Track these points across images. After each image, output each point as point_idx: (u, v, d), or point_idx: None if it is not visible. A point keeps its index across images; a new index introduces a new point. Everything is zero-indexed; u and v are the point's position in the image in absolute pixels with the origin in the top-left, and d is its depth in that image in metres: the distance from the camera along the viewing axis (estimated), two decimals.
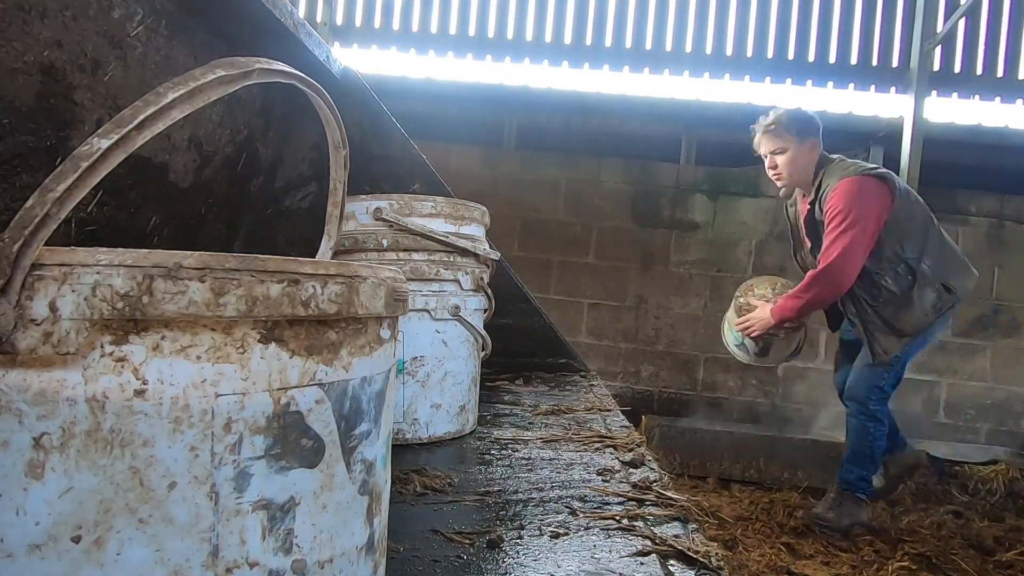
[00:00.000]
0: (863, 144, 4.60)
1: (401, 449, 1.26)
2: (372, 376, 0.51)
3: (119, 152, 0.42)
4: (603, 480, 1.09)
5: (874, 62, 4.54)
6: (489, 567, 0.75)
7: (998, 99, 4.48)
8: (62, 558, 0.38)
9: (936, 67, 4.40)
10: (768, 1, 4.57)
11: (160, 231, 1.58)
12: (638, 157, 4.47)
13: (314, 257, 0.61)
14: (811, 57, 4.57)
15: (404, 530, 0.85)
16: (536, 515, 0.92)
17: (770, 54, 4.58)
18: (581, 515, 0.92)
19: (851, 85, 4.57)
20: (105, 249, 0.40)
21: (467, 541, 0.82)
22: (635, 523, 0.88)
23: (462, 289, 1.34)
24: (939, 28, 4.26)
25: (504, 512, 0.93)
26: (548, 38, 4.64)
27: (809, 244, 2.57)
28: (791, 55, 4.58)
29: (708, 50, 4.60)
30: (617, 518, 0.90)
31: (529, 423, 1.52)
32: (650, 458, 1.21)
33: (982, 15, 4.43)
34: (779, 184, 2.53)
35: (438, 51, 4.66)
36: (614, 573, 0.74)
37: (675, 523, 0.90)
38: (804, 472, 3.47)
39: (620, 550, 0.80)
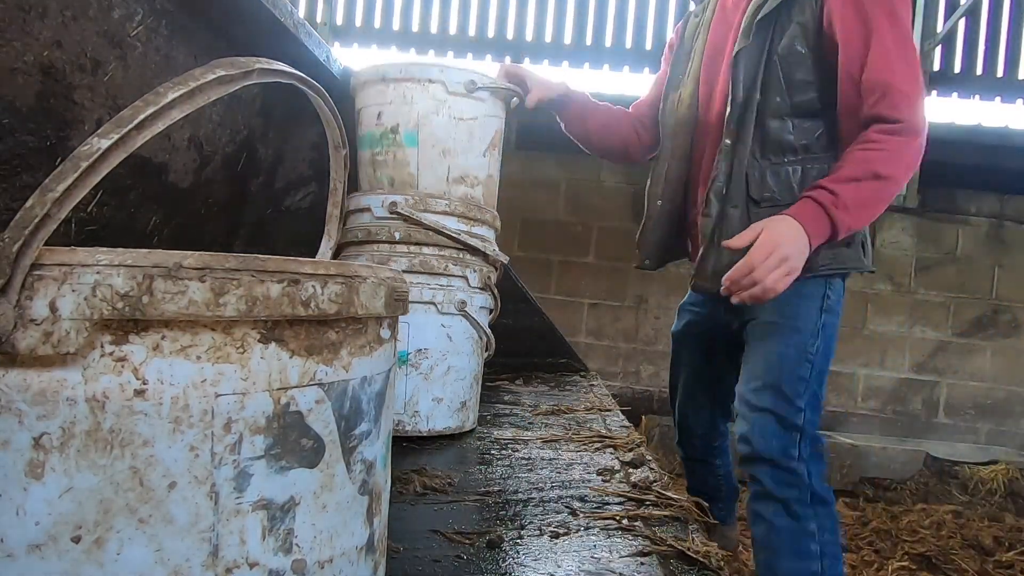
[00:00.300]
0: None
1: (401, 446, 1.26)
2: (372, 376, 0.51)
3: (119, 152, 0.42)
4: (603, 480, 1.09)
5: None
6: (489, 567, 0.75)
7: (998, 99, 4.48)
8: (62, 558, 0.39)
9: (936, 67, 4.40)
10: None
11: (160, 231, 1.58)
12: None
13: (314, 257, 0.61)
14: None
15: (404, 530, 0.85)
16: (536, 515, 0.92)
17: None
18: (581, 515, 0.92)
19: None
20: (105, 249, 0.40)
21: (467, 541, 0.82)
22: (635, 523, 0.88)
23: (469, 286, 1.35)
24: (939, 28, 4.26)
25: (504, 512, 0.93)
26: (548, 38, 4.64)
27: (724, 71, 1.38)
28: None
29: None
30: (617, 518, 0.90)
31: (529, 423, 1.52)
32: (650, 458, 1.21)
33: (982, 15, 4.42)
34: None
35: (438, 51, 4.66)
36: (614, 573, 0.74)
37: (675, 523, 0.90)
38: None
39: (620, 550, 0.80)
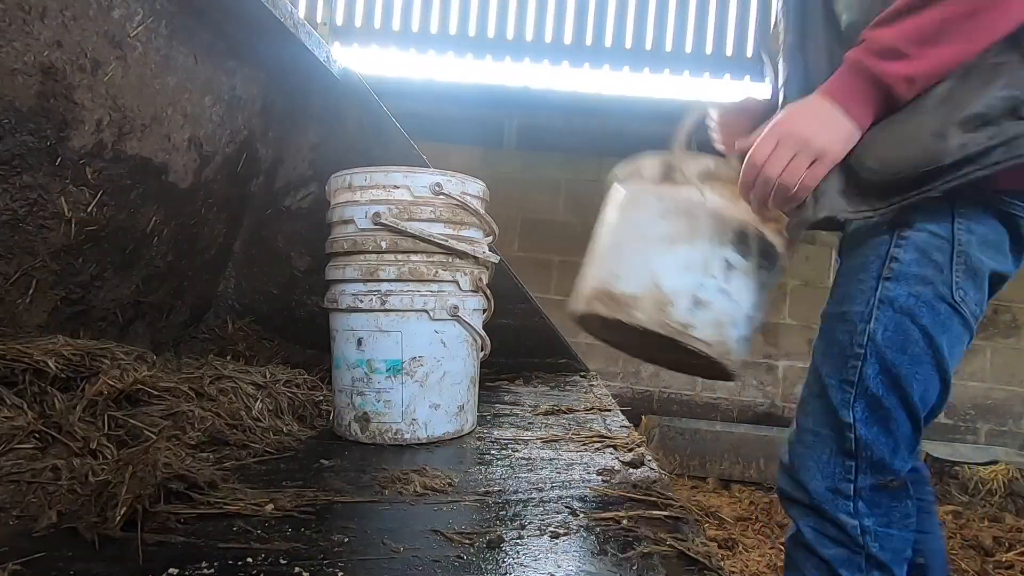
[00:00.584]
0: None
1: (401, 449, 1.26)
2: None
3: None
4: (603, 480, 1.09)
5: None
6: (489, 567, 0.75)
7: None
8: None
9: None
10: (768, 1, 4.57)
11: (160, 231, 1.58)
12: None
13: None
14: None
15: (404, 530, 0.85)
16: (536, 515, 0.92)
17: None
18: (581, 515, 0.92)
19: None
20: None
21: (467, 541, 0.82)
22: (635, 523, 0.88)
23: (460, 290, 1.34)
24: None
25: (504, 512, 0.93)
26: (548, 38, 4.64)
27: None
28: None
29: (708, 50, 4.59)
30: (617, 518, 0.90)
31: (529, 423, 1.52)
32: (650, 458, 1.21)
33: None
34: None
35: (438, 51, 4.66)
36: (614, 573, 0.74)
37: (675, 523, 0.89)
38: None
39: (620, 550, 0.80)
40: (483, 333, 1.42)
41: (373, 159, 1.77)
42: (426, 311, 1.29)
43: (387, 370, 1.28)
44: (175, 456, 0.94)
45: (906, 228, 0.86)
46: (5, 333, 1.26)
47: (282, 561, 0.74)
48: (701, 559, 0.77)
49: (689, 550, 0.79)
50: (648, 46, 4.62)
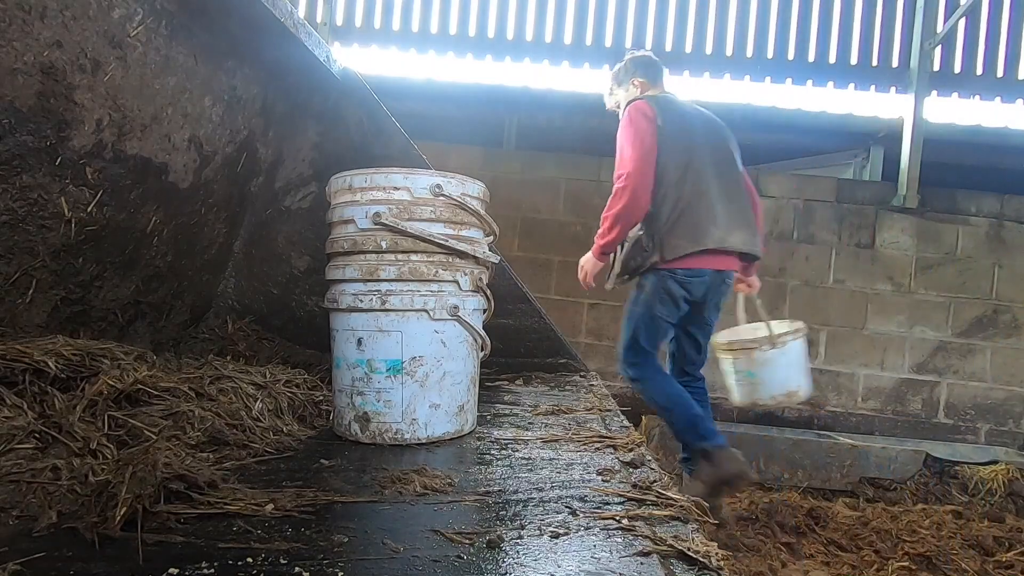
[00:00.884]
0: (863, 144, 4.60)
1: (401, 449, 1.26)
2: None
3: None
4: (603, 480, 1.08)
5: (874, 62, 4.54)
6: (489, 567, 0.75)
7: (998, 99, 4.48)
8: None
9: (936, 67, 4.40)
10: (768, 1, 4.57)
11: (160, 231, 1.58)
12: None
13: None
14: (811, 57, 4.57)
15: (404, 530, 0.85)
16: (536, 515, 0.92)
17: (770, 54, 4.58)
18: (581, 515, 0.92)
19: (851, 85, 4.56)
20: None
21: (467, 541, 0.82)
22: (635, 523, 0.88)
23: (460, 290, 1.34)
24: (939, 28, 4.26)
25: (504, 512, 0.93)
26: (548, 38, 4.64)
27: None
28: (791, 55, 4.57)
29: (708, 50, 4.59)
30: (617, 518, 0.90)
31: (529, 423, 1.52)
32: (650, 458, 1.21)
33: (982, 15, 4.42)
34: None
35: (438, 51, 4.66)
36: (614, 573, 0.74)
37: (675, 523, 0.89)
38: (804, 472, 3.46)
39: (620, 550, 0.80)
40: (483, 333, 1.42)
41: (373, 159, 1.77)
42: (426, 311, 1.29)
43: (387, 370, 1.28)
44: (175, 456, 0.94)
45: (642, 279, 2.22)
46: (5, 333, 1.26)
47: (282, 561, 0.74)
48: (701, 559, 0.77)
49: (689, 550, 0.79)
50: (648, 46, 4.62)
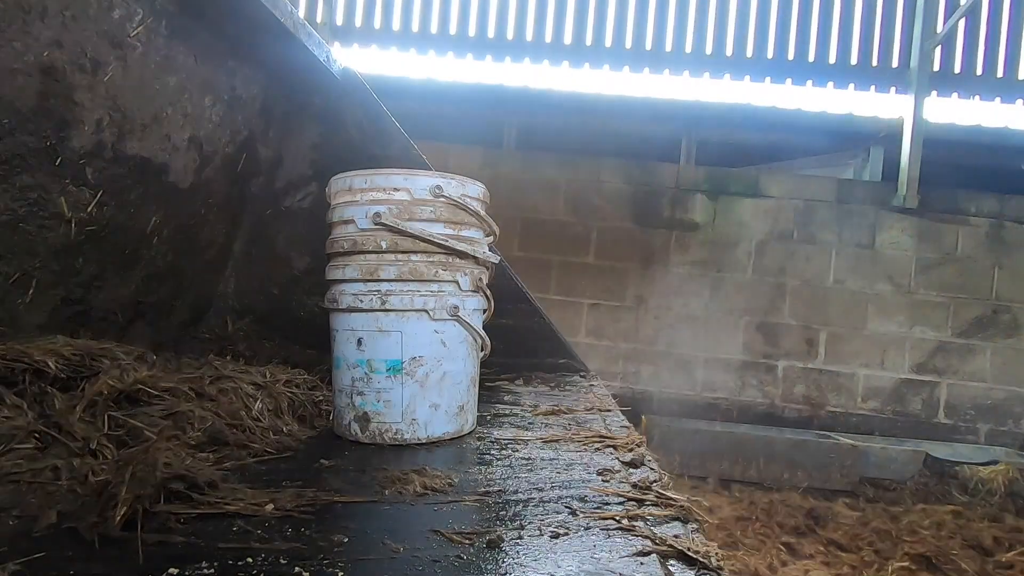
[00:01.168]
0: (863, 144, 4.60)
1: (401, 449, 1.26)
2: None
3: None
4: (603, 480, 1.08)
5: (874, 62, 4.54)
6: (489, 567, 0.75)
7: (998, 99, 4.48)
8: None
9: (936, 67, 4.40)
10: (768, 1, 4.57)
11: (160, 231, 1.58)
12: (638, 157, 4.47)
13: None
14: (811, 57, 4.57)
15: (404, 530, 0.85)
16: (536, 515, 0.92)
17: (770, 54, 4.58)
18: (581, 515, 0.92)
19: (851, 85, 4.57)
20: None
21: (467, 541, 0.82)
22: (635, 523, 0.88)
23: (460, 290, 1.34)
24: (939, 28, 4.26)
25: (504, 512, 0.93)
26: (548, 38, 4.64)
27: None
28: (791, 55, 4.58)
29: (708, 50, 4.59)
30: (617, 518, 0.90)
31: (529, 423, 1.52)
32: (650, 458, 1.21)
33: (982, 15, 4.43)
34: None
35: (438, 51, 4.66)
36: (614, 573, 0.74)
37: (675, 523, 0.89)
38: (804, 472, 3.47)
39: (620, 550, 0.80)
40: (483, 333, 1.42)
41: (373, 159, 1.77)
42: (426, 311, 1.29)
43: (387, 370, 1.28)
44: (175, 456, 0.94)
45: None
46: (5, 333, 1.26)
47: (282, 561, 0.74)
48: (701, 559, 0.77)
49: (689, 550, 0.79)
50: (648, 46, 4.62)
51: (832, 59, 4.56)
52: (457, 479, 1.06)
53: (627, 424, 1.55)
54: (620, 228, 4.34)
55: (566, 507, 0.95)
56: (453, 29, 4.65)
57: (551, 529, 0.86)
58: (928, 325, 4.19)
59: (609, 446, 1.31)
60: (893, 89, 4.51)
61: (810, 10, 4.56)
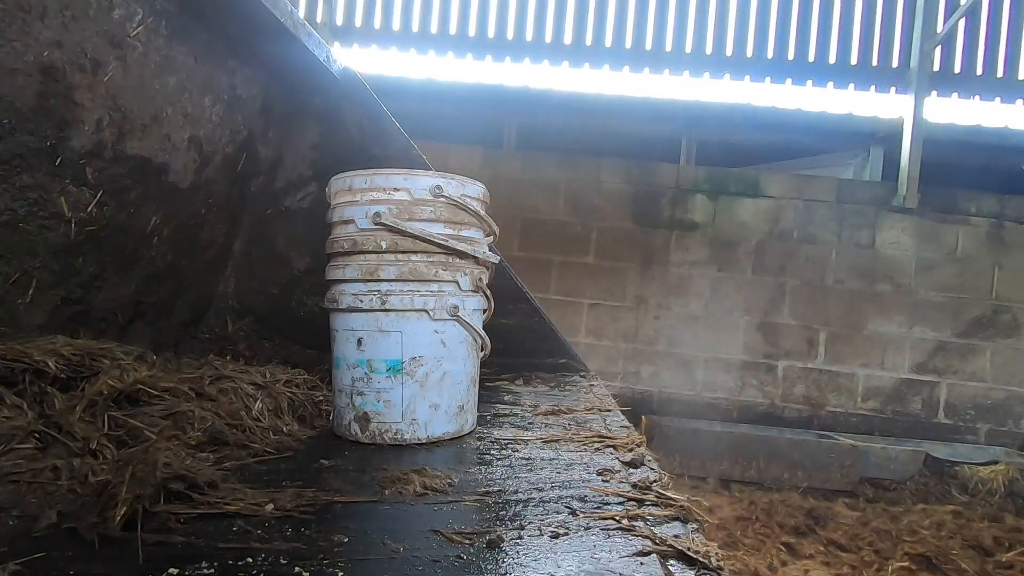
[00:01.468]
0: (863, 144, 4.61)
1: (401, 449, 1.26)
2: None
3: None
4: (603, 480, 1.08)
5: (874, 62, 4.54)
6: (489, 567, 0.75)
7: (998, 99, 4.48)
8: None
9: (936, 67, 4.40)
10: (768, 1, 4.57)
11: (160, 231, 1.58)
12: (638, 157, 4.47)
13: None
14: (811, 57, 4.57)
15: (404, 530, 0.85)
16: (536, 515, 0.92)
17: (770, 54, 4.58)
18: (581, 515, 0.92)
19: (851, 85, 4.57)
20: None
21: (467, 541, 0.82)
22: (635, 523, 0.88)
23: (460, 290, 1.34)
24: (939, 28, 4.26)
25: (504, 512, 0.93)
26: (548, 38, 4.64)
27: None
28: (791, 55, 4.58)
29: (708, 50, 4.60)
30: (617, 518, 0.90)
31: (529, 423, 1.52)
32: (650, 458, 1.21)
33: (982, 15, 4.43)
34: None
35: (438, 51, 4.66)
36: (614, 573, 0.74)
37: (675, 523, 0.89)
38: (804, 472, 3.47)
39: (620, 550, 0.80)
40: (483, 333, 1.42)
41: (373, 159, 1.77)
42: (426, 311, 1.29)
43: (387, 370, 1.28)
44: (175, 456, 0.94)
45: None
46: (5, 333, 1.26)
47: (282, 561, 0.74)
48: (701, 559, 0.77)
49: (689, 550, 0.79)
50: (648, 46, 4.62)
51: (832, 59, 4.56)
52: (457, 479, 1.06)
53: (627, 424, 1.55)
54: (620, 228, 4.35)
55: (566, 507, 0.95)
56: (453, 29, 4.65)
57: (551, 529, 0.86)
58: (928, 325, 4.19)
59: (609, 446, 1.31)
60: (893, 89, 4.51)
61: (810, 10, 4.56)
